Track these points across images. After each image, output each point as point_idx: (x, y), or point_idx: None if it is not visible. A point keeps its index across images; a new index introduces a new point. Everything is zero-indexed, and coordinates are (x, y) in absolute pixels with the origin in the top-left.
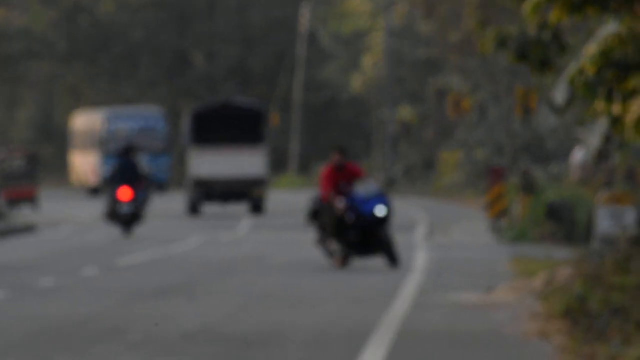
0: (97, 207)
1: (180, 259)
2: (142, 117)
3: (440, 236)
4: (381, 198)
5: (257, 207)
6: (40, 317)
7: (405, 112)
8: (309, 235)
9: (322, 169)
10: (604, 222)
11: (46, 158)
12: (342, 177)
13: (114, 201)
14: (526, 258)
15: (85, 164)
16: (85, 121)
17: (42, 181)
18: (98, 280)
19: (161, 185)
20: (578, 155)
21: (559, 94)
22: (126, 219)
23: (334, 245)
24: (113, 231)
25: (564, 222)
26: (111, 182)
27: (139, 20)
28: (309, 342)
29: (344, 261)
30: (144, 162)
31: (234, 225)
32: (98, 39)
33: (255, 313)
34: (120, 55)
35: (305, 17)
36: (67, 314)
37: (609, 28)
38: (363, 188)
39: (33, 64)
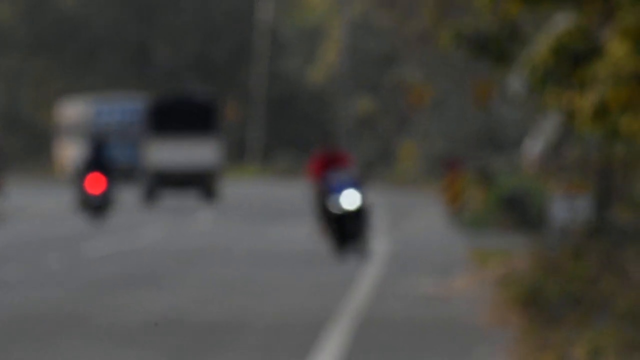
0: (65, 198)
1: (145, 250)
2: (130, 108)
3: (399, 226)
4: (350, 187)
5: (209, 196)
6: (4, 306)
7: (364, 103)
8: (270, 226)
9: (311, 157)
10: (559, 212)
11: (13, 149)
12: (330, 164)
13: (83, 191)
14: (484, 247)
15: (73, 156)
16: (72, 112)
17: (13, 172)
18: (63, 271)
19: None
20: (532, 146)
21: (513, 86)
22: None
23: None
24: (78, 222)
25: (521, 212)
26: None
27: (103, 13)
28: (270, 330)
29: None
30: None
31: (196, 215)
32: (62, 31)
33: (219, 302)
34: (83, 48)
35: (266, 10)
36: (31, 305)
37: (559, 22)
38: (337, 177)
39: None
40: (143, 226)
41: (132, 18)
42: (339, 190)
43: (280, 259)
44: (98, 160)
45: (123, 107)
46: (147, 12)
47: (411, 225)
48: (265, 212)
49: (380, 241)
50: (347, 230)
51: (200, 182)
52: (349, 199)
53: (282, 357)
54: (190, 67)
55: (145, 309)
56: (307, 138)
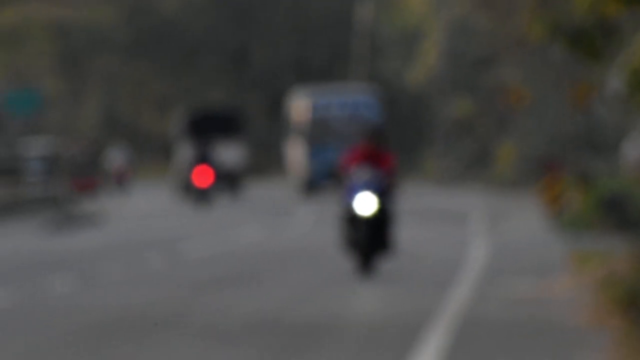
0: (165, 198)
1: (243, 249)
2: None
3: (497, 228)
4: (367, 189)
5: (234, 189)
6: (102, 308)
7: (462, 105)
8: None
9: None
10: None
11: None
12: (367, 160)
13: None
14: (583, 249)
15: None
16: (297, 107)
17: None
18: (161, 271)
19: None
20: (632, 148)
21: (612, 88)
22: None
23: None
24: (177, 222)
25: (621, 214)
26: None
27: (201, 17)
28: (369, 330)
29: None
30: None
31: (293, 215)
32: (162, 34)
33: (315, 303)
34: (182, 51)
35: (364, 11)
36: (129, 304)
37: None
38: (359, 174)
39: (97, 60)
40: (242, 226)
41: (229, 21)
42: (357, 191)
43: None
44: (205, 158)
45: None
46: (244, 15)
47: (510, 227)
48: None
49: (478, 243)
50: (360, 240)
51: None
52: (363, 203)
53: (379, 357)
54: (288, 68)
55: (243, 309)
56: (405, 140)
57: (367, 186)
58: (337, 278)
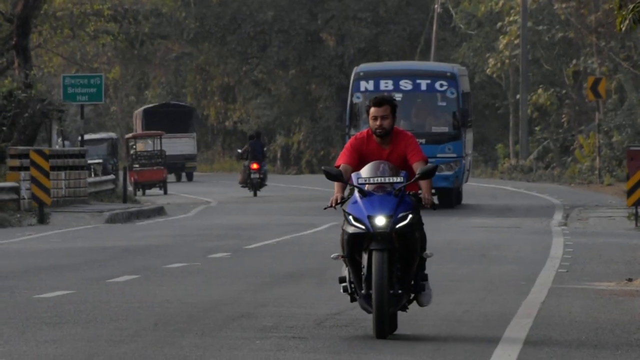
0: (224, 190)
1: (310, 242)
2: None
3: (578, 222)
4: (387, 210)
5: (188, 176)
6: (170, 301)
7: (541, 95)
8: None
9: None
10: None
11: None
12: (375, 153)
13: (248, 171)
14: None
15: None
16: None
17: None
18: (227, 263)
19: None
20: None
21: None
22: (255, 183)
23: (345, 270)
24: (239, 214)
25: None
26: (244, 157)
27: (269, 1)
28: (444, 328)
29: (352, 296)
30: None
31: None
32: (227, 19)
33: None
34: (249, 36)
35: (437, 1)
36: (197, 298)
37: None
38: (374, 171)
39: (162, 45)
40: (305, 217)
41: (300, 6)
42: (365, 212)
43: (449, 250)
44: (257, 149)
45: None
46: (315, 0)
47: (590, 223)
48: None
49: (558, 238)
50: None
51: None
52: (376, 233)
53: (456, 351)
54: (360, 55)
55: (312, 305)
56: (486, 128)
57: (383, 204)
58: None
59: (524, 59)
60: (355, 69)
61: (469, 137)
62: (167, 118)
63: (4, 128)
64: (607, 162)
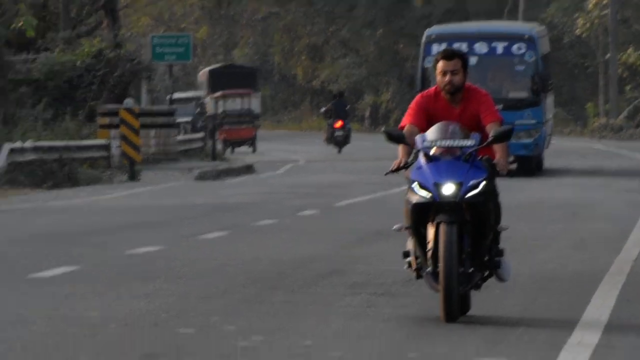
0: (311, 149)
1: (398, 200)
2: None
3: None
4: (456, 177)
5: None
6: (259, 258)
7: (631, 54)
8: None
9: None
10: None
11: (263, 99)
12: (444, 112)
13: (332, 129)
14: None
15: None
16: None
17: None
18: (317, 221)
19: None
20: None
21: None
22: (339, 140)
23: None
24: (328, 173)
25: None
26: (328, 116)
27: None
28: (533, 286)
29: (418, 273)
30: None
31: None
32: None
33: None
34: None
35: None
36: (287, 255)
37: None
38: (442, 133)
39: (249, 5)
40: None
41: None
42: (432, 179)
43: (540, 209)
44: (341, 108)
45: None
46: None
47: None
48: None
49: None
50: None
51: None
52: (445, 202)
53: (548, 314)
54: (446, 15)
55: (400, 263)
56: (575, 88)
57: (452, 171)
58: None
59: (613, 19)
60: (427, 31)
61: (549, 101)
62: (231, 78)
63: (94, 87)
64: None
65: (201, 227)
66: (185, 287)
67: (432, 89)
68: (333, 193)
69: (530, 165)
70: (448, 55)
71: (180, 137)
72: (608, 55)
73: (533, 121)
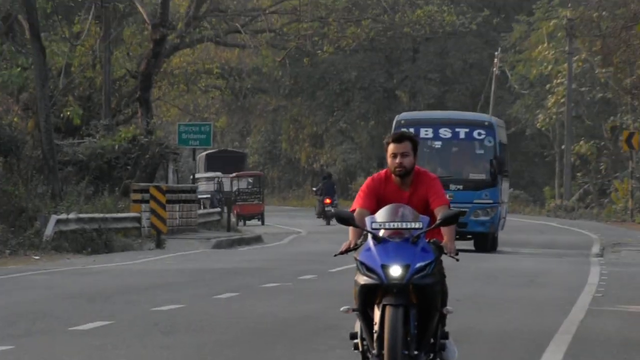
0: (311, 222)
1: None
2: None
3: (612, 254)
4: (403, 259)
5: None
6: (265, 315)
7: (583, 147)
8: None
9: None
10: None
11: (270, 179)
12: (394, 195)
13: (322, 205)
14: None
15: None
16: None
17: (273, 198)
18: (314, 284)
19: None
20: None
21: None
22: (328, 215)
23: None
24: (325, 243)
25: None
26: (319, 194)
27: (353, 63)
28: (495, 342)
29: (365, 355)
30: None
31: None
32: (317, 78)
33: (455, 314)
34: (335, 92)
35: (496, 62)
36: (289, 312)
37: None
38: (391, 215)
39: (261, 99)
40: None
41: (378, 67)
42: (380, 261)
43: (499, 280)
44: (330, 187)
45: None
46: (391, 62)
47: (622, 255)
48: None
49: (595, 267)
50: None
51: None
52: (392, 284)
53: None
54: (429, 108)
55: None
56: (535, 174)
57: (399, 253)
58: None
59: (568, 115)
60: (397, 117)
61: (505, 186)
62: (224, 161)
63: (129, 167)
64: (638, 203)
65: (216, 288)
66: (202, 339)
67: (382, 172)
68: (328, 261)
69: (486, 243)
70: (398, 138)
71: (200, 211)
72: (563, 146)
73: (490, 201)
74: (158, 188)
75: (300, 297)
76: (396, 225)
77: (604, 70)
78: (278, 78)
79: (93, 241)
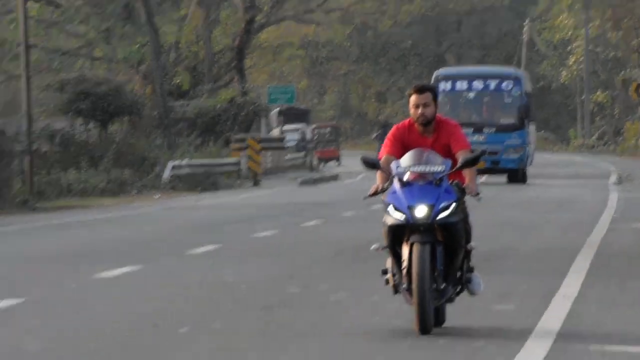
0: None
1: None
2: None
3: (626, 183)
4: (428, 199)
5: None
6: (344, 239)
7: (600, 96)
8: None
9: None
10: None
11: (344, 129)
12: (417, 142)
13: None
14: None
15: None
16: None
17: (346, 146)
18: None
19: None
20: None
21: None
22: None
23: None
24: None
25: None
26: (379, 139)
27: (408, 34)
28: (532, 258)
29: (396, 288)
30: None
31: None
32: (379, 47)
33: (497, 236)
34: (394, 58)
35: (526, 30)
36: (361, 237)
37: None
38: (416, 159)
39: (334, 65)
40: None
41: (429, 36)
42: (405, 202)
43: (536, 204)
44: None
45: None
46: (440, 32)
47: (636, 183)
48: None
49: (613, 193)
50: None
51: None
52: (417, 222)
53: (541, 276)
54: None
55: None
56: (561, 119)
57: (424, 194)
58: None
59: (587, 71)
60: (436, 72)
61: (531, 128)
62: (292, 115)
63: (228, 122)
64: None
65: (304, 218)
66: (292, 258)
67: (406, 121)
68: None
69: (517, 176)
70: (419, 89)
71: (288, 156)
72: (583, 97)
73: (519, 141)
74: (254, 138)
75: (374, 223)
76: (420, 168)
77: (614, 34)
78: (347, 48)
79: (202, 182)
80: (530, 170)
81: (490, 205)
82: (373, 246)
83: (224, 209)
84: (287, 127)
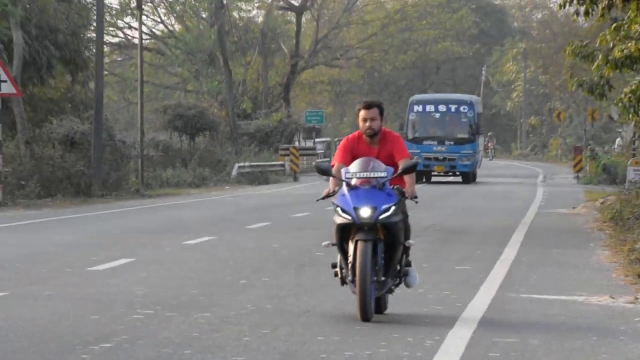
0: None
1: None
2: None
3: (549, 181)
4: (372, 201)
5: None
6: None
7: (533, 120)
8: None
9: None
10: (631, 174)
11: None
12: (365, 152)
13: None
14: (592, 192)
15: None
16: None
17: None
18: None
19: None
20: (619, 141)
21: (614, 112)
22: None
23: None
24: None
25: (612, 174)
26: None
27: (402, 75)
28: (483, 233)
29: (343, 280)
30: None
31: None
32: (382, 83)
33: (460, 218)
34: (392, 91)
35: (484, 73)
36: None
37: (636, 79)
38: (362, 167)
39: (351, 96)
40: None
41: (417, 76)
42: (351, 204)
43: (486, 196)
44: None
45: None
46: (425, 73)
47: (555, 181)
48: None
49: (540, 188)
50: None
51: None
52: (362, 222)
53: (489, 246)
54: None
55: (419, 221)
56: (506, 136)
57: (368, 197)
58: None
59: (524, 102)
60: (411, 98)
61: (480, 140)
62: (307, 132)
63: (277, 136)
64: (563, 152)
65: (328, 203)
66: (322, 233)
67: (356, 133)
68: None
69: (469, 177)
70: (367, 105)
71: (318, 160)
72: (522, 120)
73: (471, 151)
74: (294, 147)
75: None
76: (365, 174)
77: (545, 76)
78: (360, 84)
79: (258, 178)
80: (483, 172)
81: (455, 197)
82: (324, 243)
83: (273, 197)
84: (317, 139)
